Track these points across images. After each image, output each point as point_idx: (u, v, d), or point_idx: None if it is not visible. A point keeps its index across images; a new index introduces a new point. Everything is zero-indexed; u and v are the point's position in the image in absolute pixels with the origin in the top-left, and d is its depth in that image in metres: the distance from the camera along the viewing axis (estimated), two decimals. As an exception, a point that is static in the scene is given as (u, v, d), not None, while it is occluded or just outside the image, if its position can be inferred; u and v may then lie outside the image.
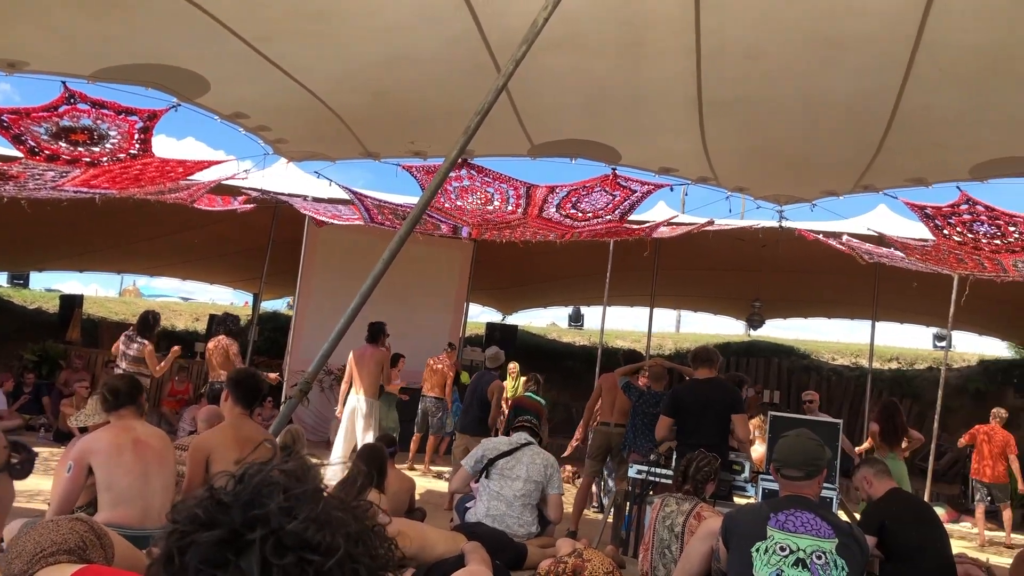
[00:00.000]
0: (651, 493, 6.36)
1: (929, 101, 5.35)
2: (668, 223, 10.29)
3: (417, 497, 6.53)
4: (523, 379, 11.15)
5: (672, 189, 7.87)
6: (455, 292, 14.58)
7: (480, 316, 20.12)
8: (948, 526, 10.01)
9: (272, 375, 10.10)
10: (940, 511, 10.62)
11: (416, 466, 10.93)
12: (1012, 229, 7.58)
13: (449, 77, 5.86)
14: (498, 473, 5.21)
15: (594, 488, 9.10)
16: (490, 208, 8.59)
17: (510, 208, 8.52)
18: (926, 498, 9.86)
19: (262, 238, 13.19)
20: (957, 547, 8.64)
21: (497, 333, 15.68)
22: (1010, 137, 5.81)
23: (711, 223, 9.87)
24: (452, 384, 11.43)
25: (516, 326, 17.07)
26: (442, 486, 8.90)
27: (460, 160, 6.44)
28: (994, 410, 10.66)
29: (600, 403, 8.60)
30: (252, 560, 0.96)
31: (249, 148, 7.56)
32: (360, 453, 5.68)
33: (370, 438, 8.25)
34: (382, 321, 9.07)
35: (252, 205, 11.10)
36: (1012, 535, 9.84)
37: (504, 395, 11.01)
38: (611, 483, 8.79)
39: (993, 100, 5.27)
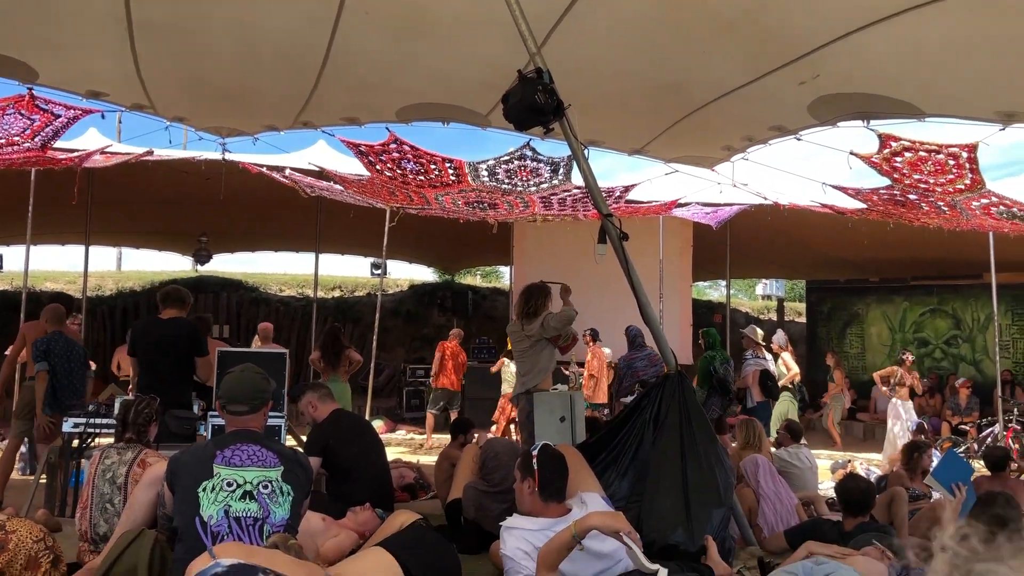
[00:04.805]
0: (92, 445, 5.89)
1: (361, 44, 5.66)
2: (102, 152, 9.42)
3: None
4: None
5: (104, 116, 7.28)
6: None
7: None
8: (387, 436, 11.19)
9: None
10: (379, 423, 11.78)
11: None
12: (433, 167, 8.55)
13: None
14: None
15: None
16: None
17: None
18: (367, 413, 10.83)
19: None
20: (395, 453, 9.73)
21: None
22: (429, 85, 6.47)
23: (150, 153, 9.30)
24: None
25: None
26: None
27: None
28: (452, 331, 12.31)
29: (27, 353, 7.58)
30: None
31: None
32: None
33: None
34: None
35: None
36: (433, 436, 11.35)
37: None
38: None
39: (414, 50, 5.78)
